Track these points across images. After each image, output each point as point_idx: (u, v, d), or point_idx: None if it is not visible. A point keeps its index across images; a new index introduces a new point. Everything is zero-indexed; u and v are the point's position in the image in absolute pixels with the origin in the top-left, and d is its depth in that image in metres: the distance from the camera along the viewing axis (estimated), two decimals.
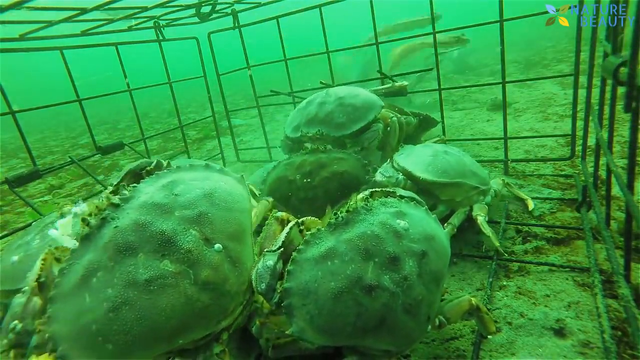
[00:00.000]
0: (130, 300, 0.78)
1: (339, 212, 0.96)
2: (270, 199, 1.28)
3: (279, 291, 0.88)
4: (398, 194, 1.14)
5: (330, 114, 1.88)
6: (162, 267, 0.82)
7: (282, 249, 0.93)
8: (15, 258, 1.29)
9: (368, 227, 0.92)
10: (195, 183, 1.04)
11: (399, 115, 1.99)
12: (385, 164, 1.67)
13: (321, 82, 2.47)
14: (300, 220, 1.02)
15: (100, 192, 2.16)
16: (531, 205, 1.63)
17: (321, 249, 0.89)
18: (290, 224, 0.99)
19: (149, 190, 0.98)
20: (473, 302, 0.98)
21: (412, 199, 1.11)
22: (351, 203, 1.00)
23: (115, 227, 0.87)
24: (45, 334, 0.78)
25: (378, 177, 1.61)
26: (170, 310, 0.79)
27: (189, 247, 0.86)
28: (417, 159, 1.58)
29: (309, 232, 0.95)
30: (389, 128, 1.91)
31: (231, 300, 0.90)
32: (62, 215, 1.41)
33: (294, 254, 0.91)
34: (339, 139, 1.89)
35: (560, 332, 1.07)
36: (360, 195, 1.11)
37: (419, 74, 2.01)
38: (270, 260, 0.90)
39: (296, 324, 0.83)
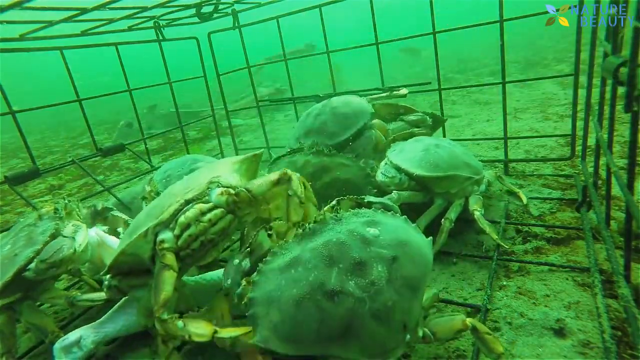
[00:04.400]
0: None
1: (306, 224, 0.97)
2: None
3: (242, 285, 0.91)
4: (367, 200, 1.13)
5: (324, 124, 1.96)
6: None
7: (248, 249, 0.99)
8: None
9: (334, 235, 0.91)
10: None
11: (388, 136, 1.99)
12: (383, 163, 1.67)
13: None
14: (268, 225, 1.04)
15: (100, 192, 2.17)
16: (524, 198, 1.64)
17: (286, 259, 0.90)
18: (257, 229, 1.01)
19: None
20: (467, 322, 0.93)
21: (387, 208, 1.10)
22: (319, 214, 1.02)
23: None
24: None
25: (380, 177, 1.61)
26: (138, 216, 1.16)
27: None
28: (410, 155, 1.58)
29: (277, 245, 0.96)
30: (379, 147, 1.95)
31: (168, 200, 1.10)
32: (40, 217, 1.37)
33: (260, 264, 0.92)
34: (334, 147, 1.94)
35: (560, 332, 1.07)
36: (328, 206, 1.12)
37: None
38: (236, 259, 0.98)
39: (260, 333, 0.83)
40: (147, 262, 1.08)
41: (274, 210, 1.18)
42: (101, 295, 1.29)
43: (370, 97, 2.16)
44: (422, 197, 1.61)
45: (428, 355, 1.07)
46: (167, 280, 0.97)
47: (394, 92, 2.17)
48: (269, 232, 1.03)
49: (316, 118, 2.02)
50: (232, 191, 1.09)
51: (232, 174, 1.20)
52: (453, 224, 1.47)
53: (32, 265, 1.21)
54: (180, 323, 0.92)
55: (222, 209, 1.08)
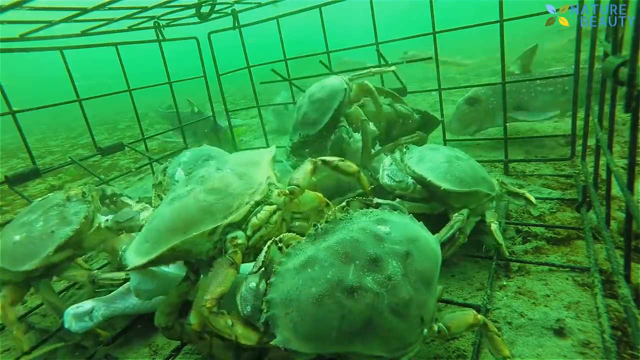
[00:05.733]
0: (177, 196, 1.12)
1: (318, 224, 0.98)
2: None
3: (264, 311, 0.87)
4: (375, 202, 1.14)
5: (306, 115, 1.94)
6: (189, 188, 1.14)
7: (262, 269, 0.94)
8: (17, 238, 1.29)
9: (347, 234, 0.92)
10: None
11: (367, 120, 1.93)
12: (389, 165, 1.63)
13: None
14: (278, 238, 1.02)
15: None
16: (532, 198, 1.56)
17: (301, 258, 0.90)
18: (268, 243, 0.99)
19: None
20: (479, 317, 0.96)
21: (394, 208, 1.10)
22: (329, 214, 1.03)
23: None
24: None
25: (386, 180, 1.58)
26: (186, 209, 1.07)
27: (204, 173, 1.19)
28: (433, 165, 1.49)
29: (290, 246, 0.95)
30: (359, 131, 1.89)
31: (234, 199, 1.09)
32: (69, 199, 1.42)
33: (275, 266, 0.92)
34: (319, 135, 1.91)
35: (560, 332, 1.07)
36: (339, 206, 1.11)
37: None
38: (253, 282, 0.92)
39: (281, 334, 0.82)
40: (195, 259, 1.09)
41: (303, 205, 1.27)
42: (121, 274, 1.36)
43: (354, 74, 2.09)
44: (425, 210, 1.55)
45: (428, 355, 1.07)
46: (230, 277, 0.98)
47: (380, 68, 2.09)
48: (279, 244, 1.01)
49: (299, 111, 2.00)
50: (287, 191, 1.17)
51: (272, 172, 1.26)
52: (467, 240, 1.43)
53: (109, 223, 1.35)
54: (229, 321, 0.92)
55: (281, 211, 1.14)
